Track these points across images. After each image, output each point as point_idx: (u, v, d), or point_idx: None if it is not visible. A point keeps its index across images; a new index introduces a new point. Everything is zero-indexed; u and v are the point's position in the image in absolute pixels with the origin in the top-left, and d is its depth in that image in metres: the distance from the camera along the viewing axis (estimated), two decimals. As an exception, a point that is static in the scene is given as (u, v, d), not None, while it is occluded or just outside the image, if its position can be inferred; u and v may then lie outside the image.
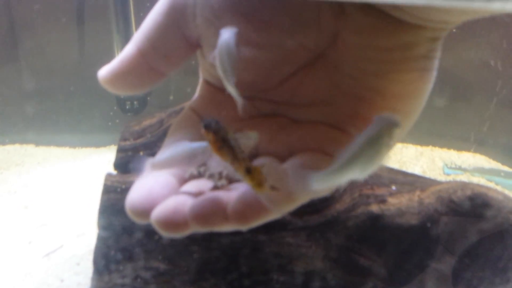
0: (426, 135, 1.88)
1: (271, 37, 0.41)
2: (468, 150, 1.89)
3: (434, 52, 0.40)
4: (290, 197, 0.35)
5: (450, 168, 1.77)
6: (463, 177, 1.71)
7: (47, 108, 1.98)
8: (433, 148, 1.90)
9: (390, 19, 0.38)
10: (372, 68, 0.40)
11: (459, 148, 1.90)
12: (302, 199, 0.36)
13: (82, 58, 1.96)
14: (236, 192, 0.36)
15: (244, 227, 0.34)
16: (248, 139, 0.39)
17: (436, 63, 0.41)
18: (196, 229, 0.34)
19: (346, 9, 0.39)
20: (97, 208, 0.85)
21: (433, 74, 0.41)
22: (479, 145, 1.87)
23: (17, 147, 2.01)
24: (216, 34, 0.40)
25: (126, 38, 1.69)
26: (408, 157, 1.81)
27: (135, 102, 1.77)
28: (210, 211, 0.34)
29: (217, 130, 0.34)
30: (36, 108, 1.98)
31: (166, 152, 0.41)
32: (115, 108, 1.81)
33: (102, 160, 1.82)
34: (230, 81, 0.39)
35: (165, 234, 0.34)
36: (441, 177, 1.67)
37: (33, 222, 1.37)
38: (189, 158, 0.39)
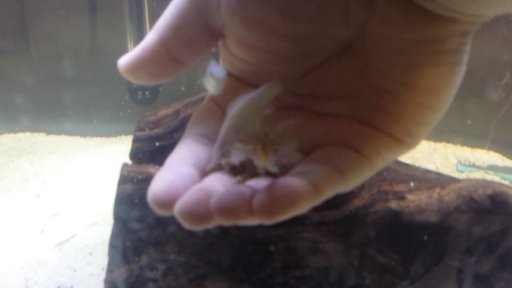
0: (439, 131, 1.85)
1: (297, 27, 0.39)
2: (482, 147, 1.86)
3: (464, 46, 0.39)
4: (316, 190, 0.34)
5: (464, 165, 1.75)
6: (477, 175, 1.69)
7: (58, 97, 1.98)
8: (447, 144, 1.88)
9: (421, 11, 0.36)
10: (400, 62, 0.39)
11: (473, 145, 1.87)
12: (328, 194, 0.35)
13: (94, 47, 1.95)
14: (261, 185, 0.35)
15: (269, 222, 0.33)
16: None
17: (466, 58, 0.40)
18: (220, 222, 0.33)
19: (375, 0, 0.38)
20: (109, 198, 0.84)
21: (463, 69, 0.40)
22: (493, 143, 1.84)
23: (28, 135, 2.01)
24: (241, 24, 0.39)
25: (139, 27, 1.68)
26: (421, 153, 1.79)
27: (147, 92, 1.76)
28: (234, 204, 0.33)
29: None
30: (47, 97, 1.98)
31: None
32: (126, 98, 1.80)
33: (113, 150, 1.82)
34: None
35: (188, 226, 0.33)
36: (455, 174, 1.65)
37: (45, 211, 1.37)
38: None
